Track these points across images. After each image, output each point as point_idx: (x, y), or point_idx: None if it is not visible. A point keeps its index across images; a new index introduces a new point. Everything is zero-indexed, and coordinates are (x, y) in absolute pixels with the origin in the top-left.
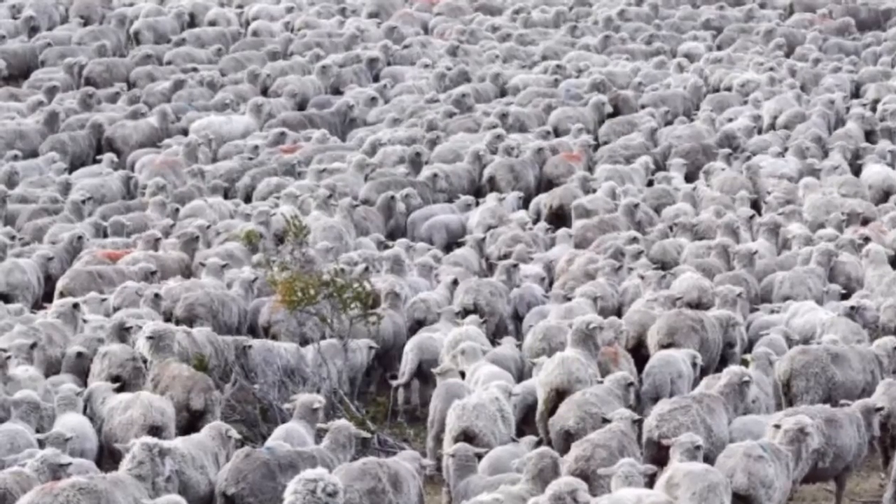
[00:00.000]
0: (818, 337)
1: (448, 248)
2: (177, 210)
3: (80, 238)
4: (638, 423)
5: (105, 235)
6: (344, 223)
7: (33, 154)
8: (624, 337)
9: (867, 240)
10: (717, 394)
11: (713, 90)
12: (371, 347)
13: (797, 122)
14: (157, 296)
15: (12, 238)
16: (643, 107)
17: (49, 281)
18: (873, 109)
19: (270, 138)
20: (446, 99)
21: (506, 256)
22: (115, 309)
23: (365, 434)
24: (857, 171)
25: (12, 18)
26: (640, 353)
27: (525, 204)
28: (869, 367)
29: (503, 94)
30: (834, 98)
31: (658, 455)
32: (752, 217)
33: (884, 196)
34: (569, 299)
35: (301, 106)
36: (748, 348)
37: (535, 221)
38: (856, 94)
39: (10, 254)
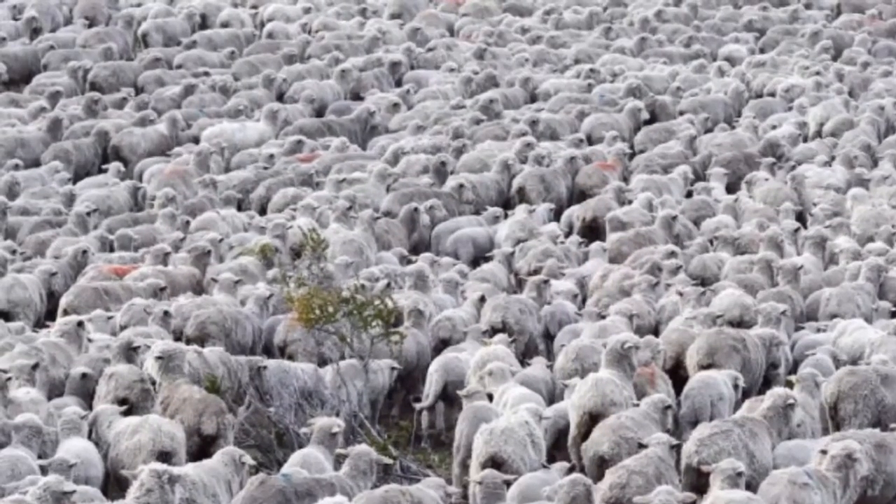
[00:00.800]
0: (867, 357)
1: (475, 262)
2: (187, 223)
3: (84, 252)
4: (676, 449)
5: (111, 250)
6: (364, 236)
7: (35, 163)
8: (661, 357)
9: None
10: (761, 417)
11: (756, 95)
12: (393, 368)
13: (845, 130)
14: (166, 313)
15: (13, 252)
16: (682, 113)
17: (52, 298)
18: None
19: (287, 147)
20: (473, 105)
21: (536, 272)
22: (122, 327)
23: (387, 460)
24: None
25: (13, 20)
26: (678, 375)
27: (556, 216)
28: None
29: (533, 99)
30: (884, 104)
31: (697, 482)
32: (797, 230)
33: None
34: (603, 317)
35: (319, 112)
36: (793, 369)
37: (567, 235)
38: None
39: (11, 269)
